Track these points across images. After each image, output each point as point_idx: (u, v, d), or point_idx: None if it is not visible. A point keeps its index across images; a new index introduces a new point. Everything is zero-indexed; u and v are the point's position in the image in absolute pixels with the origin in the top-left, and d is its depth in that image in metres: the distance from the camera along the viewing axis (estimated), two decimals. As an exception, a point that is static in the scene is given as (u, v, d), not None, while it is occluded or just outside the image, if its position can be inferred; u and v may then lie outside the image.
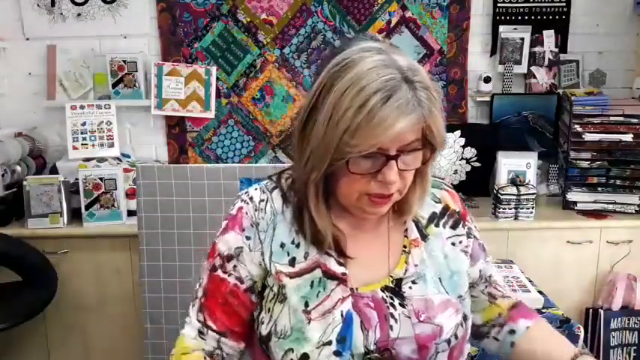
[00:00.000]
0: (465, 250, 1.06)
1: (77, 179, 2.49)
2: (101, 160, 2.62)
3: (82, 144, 2.67)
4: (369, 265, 0.98)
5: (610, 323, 2.45)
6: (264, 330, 0.96)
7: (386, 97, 0.81)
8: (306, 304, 0.94)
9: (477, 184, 2.80)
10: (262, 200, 0.99)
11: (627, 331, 2.48)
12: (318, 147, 0.86)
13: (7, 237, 2.34)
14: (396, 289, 0.97)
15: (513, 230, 2.45)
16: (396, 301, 0.96)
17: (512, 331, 1.09)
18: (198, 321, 1.00)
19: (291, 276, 0.95)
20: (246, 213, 0.98)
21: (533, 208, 2.46)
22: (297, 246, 0.97)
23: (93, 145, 2.68)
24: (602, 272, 2.50)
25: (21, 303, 2.25)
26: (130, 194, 2.49)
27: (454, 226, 1.06)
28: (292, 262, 0.96)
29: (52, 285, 2.31)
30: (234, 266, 0.98)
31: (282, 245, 0.97)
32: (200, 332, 0.99)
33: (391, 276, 0.98)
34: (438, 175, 2.78)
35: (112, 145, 2.70)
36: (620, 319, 2.46)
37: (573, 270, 2.48)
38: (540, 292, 2.02)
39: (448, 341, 0.96)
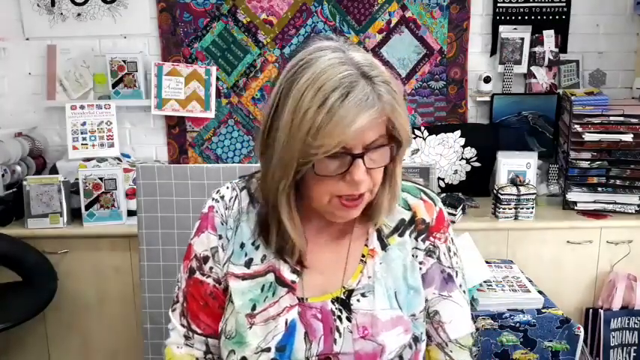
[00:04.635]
0: (420, 267, 0.98)
1: (77, 179, 2.49)
2: (101, 160, 2.61)
3: (82, 144, 2.67)
4: (325, 274, 0.96)
5: (610, 323, 2.45)
6: (220, 326, 0.96)
7: (344, 93, 0.79)
8: (254, 307, 0.93)
9: (477, 184, 2.80)
10: (232, 198, 0.99)
11: (627, 331, 2.48)
12: (283, 154, 0.83)
13: (7, 237, 2.34)
14: (345, 301, 0.94)
15: (513, 230, 2.45)
16: (344, 314, 0.93)
17: None
18: (182, 326, 0.99)
19: (244, 277, 0.95)
20: (217, 211, 0.98)
21: (533, 208, 2.46)
22: (257, 248, 0.96)
23: (93, 145, 2.68)
24: (602, 272, 2.50)
25: (21, 303, 2.25)
26: (130, 194, 2.48)
27: (417, 237, 0.98)
28: (249, 263, 0.95)
29: (52, 285, 2.31)
30: (211, 268, 0.97)
31: (242, 245, 0.96)
32: (186, 337, 0.99)
33: (344, 287, 0.95)
34: (438, 175, 2.78)
35: (112, 145, 2.70)
36: (620, 319, 2.46)
37: (573, 270, 2.48)
38: (540, 292, 2.03)
39: None
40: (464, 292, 1.01)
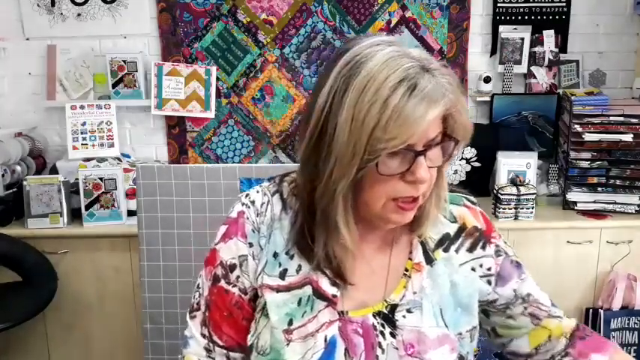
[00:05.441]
0: (489, 274, 0.96)
1: (77, 179, 2.49)
2: (101, 160, 2.62)
3: (82, 144, 2.67)
4: (365, 286, 0.90)
5: (610, 323, 2.45)
6: (249, 340, 0.91)
7: (411, 86, 0.75)
8: (290, 322, 0.87)
9: (477, 184, 2.80)
10: (264, 203, 0.92)
11: (627, 331, 2.48)
12: (344, 151, 0.77)
13: (7, 237, 2.34)
14: (389, 316, 0.89)
15: (513, 230, 2.45)
16: (387, 330, 0.88)
17: None
18: (203, 336, 0.93)
19: (279, 289, 0.89)
20: (248, 218, 0.91)
21: (533, 208, 2.46)
22: (291, 257, 0.90)
23: (93, 145, 2.68)
24: (602, 272, 2.50)
25: (21, 303, 2.25)
26: (130, 194, 2.49)
27: (472, 248, 0.96)
28: (283, 274, 0.89)
29: (52, 285, 2.31)
30: (238, 277, 0.91)
31: (276, 255, 0.90)
32: (207, 349, 0.93)
33: (386, 301, 0.90)
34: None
35: (112, 145, 2.70)
36: (620, 319, 2.46)
37: (573, 270, 2.48)
38: (540, 292, 2.03)
39: None
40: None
